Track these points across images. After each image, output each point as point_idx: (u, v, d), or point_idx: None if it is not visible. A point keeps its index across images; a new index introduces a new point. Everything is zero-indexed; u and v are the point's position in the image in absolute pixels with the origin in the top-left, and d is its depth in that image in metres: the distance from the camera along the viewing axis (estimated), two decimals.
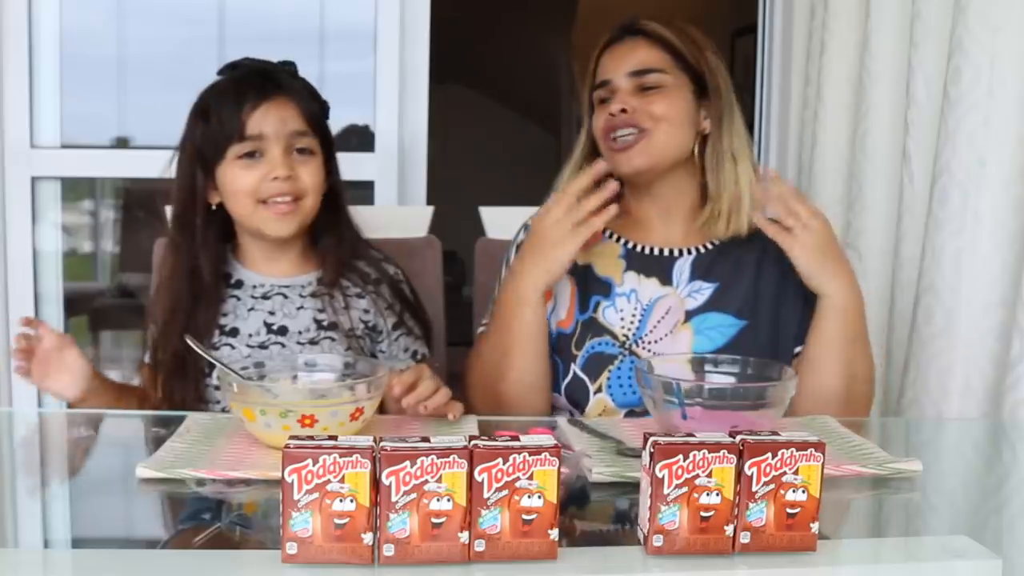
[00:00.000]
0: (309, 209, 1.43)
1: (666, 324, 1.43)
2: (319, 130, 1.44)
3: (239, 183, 1.39)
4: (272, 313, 1.45)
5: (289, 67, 1.47)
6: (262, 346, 1.43)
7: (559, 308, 1.47)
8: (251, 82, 1.40)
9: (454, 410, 1.22)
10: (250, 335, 1.44)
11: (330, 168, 1.47)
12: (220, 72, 1.45)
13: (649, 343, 1.43)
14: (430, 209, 1.88)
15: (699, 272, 1.45)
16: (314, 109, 1.44)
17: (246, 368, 1.21)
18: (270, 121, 1.38)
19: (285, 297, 1.46)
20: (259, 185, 1.38)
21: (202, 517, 0.99)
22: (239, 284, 1.47)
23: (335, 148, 1.49)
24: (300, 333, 1.44)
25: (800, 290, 1.44)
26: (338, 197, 1.49)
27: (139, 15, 2.15)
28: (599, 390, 1.42)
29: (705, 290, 1.44)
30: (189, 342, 1.22)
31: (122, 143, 2.22)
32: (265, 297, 1.46)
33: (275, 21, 2.18)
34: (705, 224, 1.44)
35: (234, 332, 1.44)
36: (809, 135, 2.05)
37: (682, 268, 1.46)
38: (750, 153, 1.46)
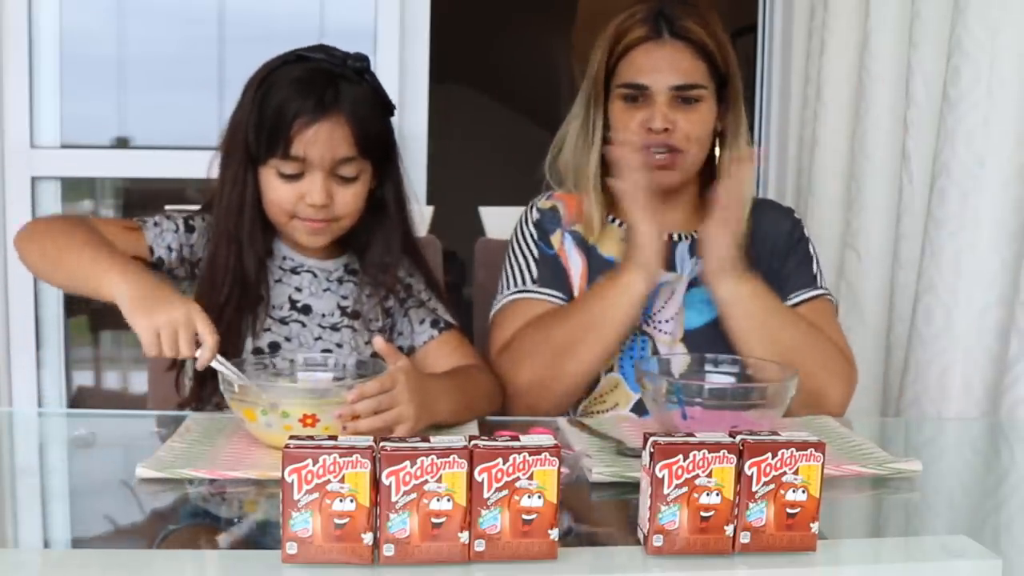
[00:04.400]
0: (344, 227, 1.39)
1: (675, 302, 1.44)
2: (371, 147, 1.36)
3: (275, 195, 1.35)
4: (299, 290, 1.42)
5: (360, 63, 1.37)
6: (283, 321, 1.40)
7: (573, 284, 1.47)
8: (312, 89, 1.31)
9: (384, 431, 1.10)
10: (273, 307, 1.40)
11: (383, 176, 1.42)
12: (287, 59, 1.36)
13: (659, 323, 1.43)
14: (430, 209, 1.88)
15: (695, 252, 1.46)
16: (369, 125, 1.35)
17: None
18: (317, 146, 1.30)
19: (314, 275, 1.43)
20: (295, 204, 1.34)
21: (202, 517, 0.99)
22: (269, 253, 1.42)
23: (394, 152, 1.43)
24: (323, 316, 1.41)
25: (783, 252, 1.47)
26: (385, 204, 1.43)
27: (139, 15, 2.15)
28: (611, 369, 1.42)
29: (699, 264, 1.44)
30: (217, 364, 1.16)
31: (122, 143, 2.21)
32: (294, 272, 1.43)
33: (275, 21, 2.18)
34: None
35: (259, 300, 1.39)
36: (809, 135, 2.05)
37: (683, 253, 1.47)
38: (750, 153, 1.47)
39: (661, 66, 1.39)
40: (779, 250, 1.49)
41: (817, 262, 1.51)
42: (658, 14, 1.40)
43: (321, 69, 1.34)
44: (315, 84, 1.32)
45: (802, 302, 1.46)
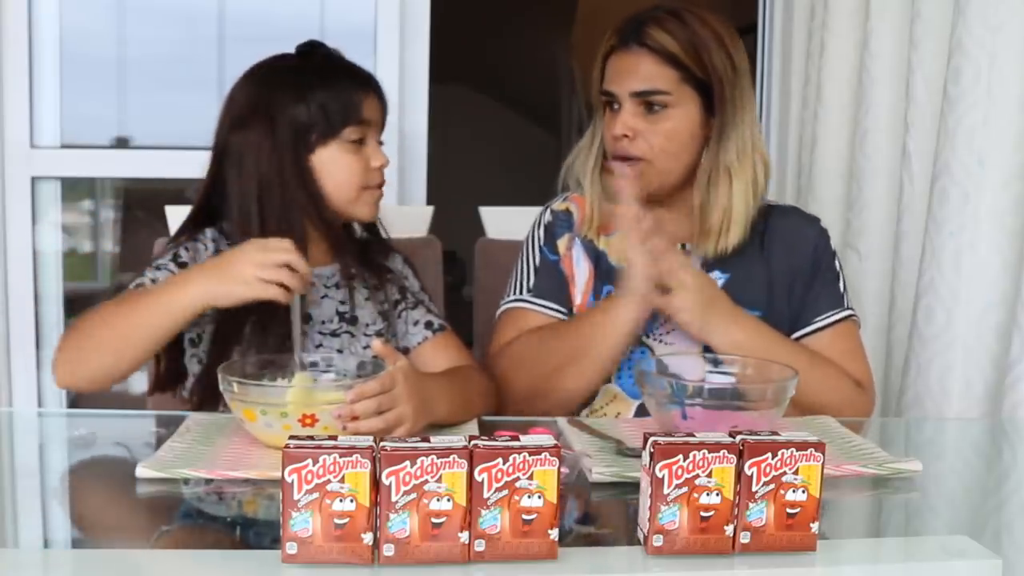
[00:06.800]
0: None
1: None
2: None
3: (344, 170, 1.39)
4: (300, 298, 1.41)
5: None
6: None
7: (577, 290, 1.48)
8: (350, 67, 1.42)
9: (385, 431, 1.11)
10: None
11: None
12: (299, 52, 1.42)
13: (661, 335, 1.43)
14: (430, 209, 1.88)
15: (708, 265, 1.44)
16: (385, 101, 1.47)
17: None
18: (374, 110, 1.41)
19: (312, 284, 1.43)
20: (363, 174, 1.40)
21: (202, 517, 0.99)
22: None
23: None
24: (323, 323, 1.42)
25: (810, 269, 1.46)
26: None
27: (139, 15, 2.15)
28: (608, 380, 1.42)
29: (717, 281, 1.43)
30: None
31: (122, 143, 2.22)
32: None
33: (275, 21, 2.18)
34: (696, 246, 1.43)
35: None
36: (809, 135, 2.05)
37: (694, 264, 1.45)
38: (753, 168, 1.41)
39: (624, 73, 1.41)
40: (804, 268, 1.46)
41: (843, 278, 1.50)
42: (634, 23, 1.41)
43: (339, 57, 1.44)
44: (347, 64, 1.43)
45: (827, 326, 1.45)
